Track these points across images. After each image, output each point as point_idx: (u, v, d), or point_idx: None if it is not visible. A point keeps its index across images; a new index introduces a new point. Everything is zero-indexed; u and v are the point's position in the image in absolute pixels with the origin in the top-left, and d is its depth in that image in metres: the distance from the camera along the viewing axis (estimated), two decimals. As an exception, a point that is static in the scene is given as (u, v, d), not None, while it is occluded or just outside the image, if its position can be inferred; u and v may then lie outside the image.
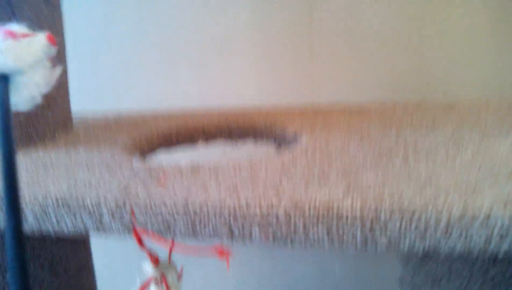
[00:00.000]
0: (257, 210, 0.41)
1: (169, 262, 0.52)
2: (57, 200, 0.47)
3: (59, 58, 0.74)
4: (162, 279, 0.50)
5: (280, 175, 0.48)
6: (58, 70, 0.44)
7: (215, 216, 0.42)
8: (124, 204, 0.45)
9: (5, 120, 0.36)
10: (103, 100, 1.10)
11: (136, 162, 0.55)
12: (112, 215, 0.45)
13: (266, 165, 0.52)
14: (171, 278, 0.51)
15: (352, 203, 0.40)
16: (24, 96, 0.40)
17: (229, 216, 0.42)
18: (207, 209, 0.42)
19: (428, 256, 0.54)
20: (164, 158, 0.74)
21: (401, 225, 0.39)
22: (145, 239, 0.46)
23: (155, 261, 0.50)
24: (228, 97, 1.01)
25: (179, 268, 0.53)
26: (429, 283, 0.54)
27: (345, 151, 0.55)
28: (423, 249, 0.39)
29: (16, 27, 0.41)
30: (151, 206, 0.44)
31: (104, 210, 0.45)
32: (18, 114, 0.68)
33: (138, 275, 0.52)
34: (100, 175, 0.52)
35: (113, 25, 1.07)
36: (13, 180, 0.34)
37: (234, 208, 0.42)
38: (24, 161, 0.61)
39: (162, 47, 1.06)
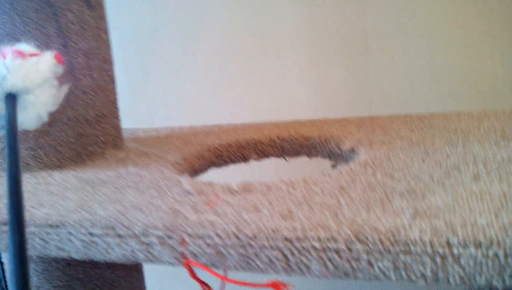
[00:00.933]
0: (316, 242, 0.38)
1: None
2: (105, 228, 0.45)
3: (104, 66, 0.72)
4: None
5: (338, 196, 0.45)
6: (65, 89, 0.44)
7: (270, 247, 0.39)
8: (175, 234, 0.42)
9: (13, 138, 0.36)
10: (154, 117, 1.09)
11: (186, 183, 0.53)
12: (162, 245, 0.43)
13: (322, 184, 0.49)
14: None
15: (420, 235, 0.36)
16: (31, 115, 0.41)
17: (285, 247, 0.39)
18: (261, 241, 0.39)
19: None
20: (215, 176, 0.72)
21: (475, 259, 0.34)
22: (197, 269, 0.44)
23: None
24: (280, 111, 0.98)
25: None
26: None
27: (409, 168, 0.51)
28: (503, 285, 0.34)
29: (24, 46, 0.42)
30: (202, 237, 0.41)
31: (154, 240, 0.43)
32: (67, 131, 0.67)
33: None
34: (149, 198, 0.50)
35: (161, 39, 1.06)
36: (18, 198, 0.34)
37: (291, 239, 0.39)
38: (72, 181, 0.60)
39: (211, 62, 1.04)
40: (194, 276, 0.43)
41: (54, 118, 0.66)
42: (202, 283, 0.45)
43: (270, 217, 0.42)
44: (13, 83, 0.39)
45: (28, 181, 0.63)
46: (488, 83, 0.87)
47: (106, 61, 0.73)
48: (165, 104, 1.08)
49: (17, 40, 0.64)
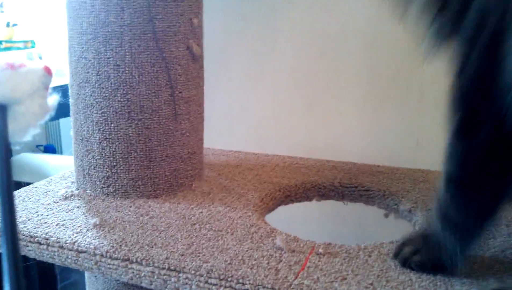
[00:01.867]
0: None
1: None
2: (220, 279, 0.56)
3: (198, 109, 0.83)
4: None
5: (409, 274, 0.56)
6: (55, 100, 0.44)
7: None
8: (280, 293, 0.54)
9: (3, 150, 0.36)
10: (214, 139, 1.18)
11: (278, 239, 0.63)
12: (269, 302, 0.54)
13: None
14: None
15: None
16: (21, 126, 0.41)
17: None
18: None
19: None
20: (286, 216, 0.83)
21: None
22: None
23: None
24: (333, 149, 1.08)
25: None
26: None
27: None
28: None
29: (14, 57, 0.44)
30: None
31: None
32: (163, 166, 0.78)
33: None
34: (247, 249, 0.61)
35: (227, 63, 1.16)
36: (11, 208, 0.35)
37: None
38: (171, 216, 0.71)
39: (271, 92, 1.13)
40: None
41: (155, 155, 0.77)
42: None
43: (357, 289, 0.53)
44: (2, 94, 0.39)
45: (130, 209, 0.74)
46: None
47: (200, 105, 0.83)
48: (222, 126, 1.17)
49: (132, 87, 0.74)
